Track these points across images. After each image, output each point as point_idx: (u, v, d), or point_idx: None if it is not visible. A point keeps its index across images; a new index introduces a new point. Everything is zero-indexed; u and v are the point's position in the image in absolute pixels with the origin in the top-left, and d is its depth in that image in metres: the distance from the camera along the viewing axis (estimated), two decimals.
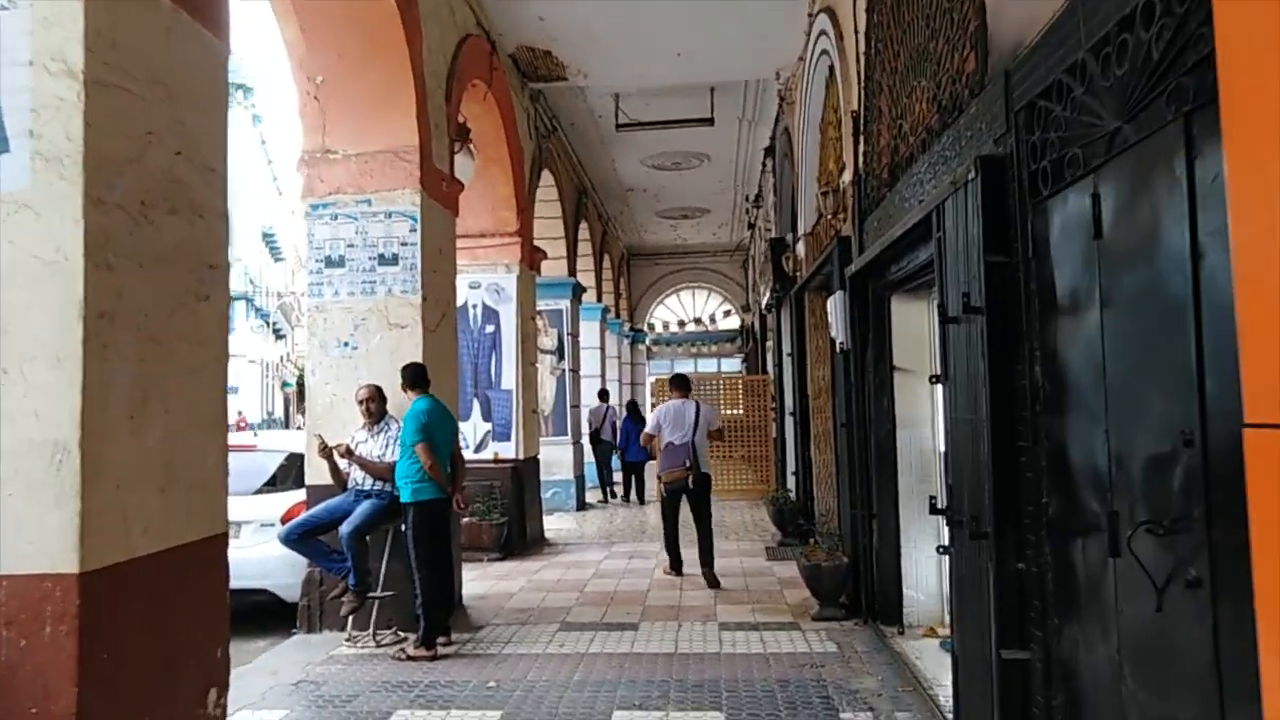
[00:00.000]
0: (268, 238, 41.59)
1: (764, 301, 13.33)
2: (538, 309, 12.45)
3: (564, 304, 12.65)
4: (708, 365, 22.57)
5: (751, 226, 15.91)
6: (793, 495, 9.46)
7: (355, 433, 5.82)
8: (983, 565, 3.24)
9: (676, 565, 7.91)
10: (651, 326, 22.65)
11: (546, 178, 11.49)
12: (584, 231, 15.22)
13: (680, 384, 7.98)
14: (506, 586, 7.44)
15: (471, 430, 9.23)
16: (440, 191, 6.48)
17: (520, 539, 9.10)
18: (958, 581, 3.69)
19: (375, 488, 5.62)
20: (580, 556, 8.85)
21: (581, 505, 12.71)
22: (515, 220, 9.35)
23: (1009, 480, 3.10)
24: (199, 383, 2.95)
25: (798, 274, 9.43)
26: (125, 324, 2.57)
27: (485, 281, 9.33)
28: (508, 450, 9.19)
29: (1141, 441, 2.29)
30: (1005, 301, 3.13)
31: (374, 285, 6.10)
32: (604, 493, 14.02)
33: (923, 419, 5.78)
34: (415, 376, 5.64)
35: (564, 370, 12.59)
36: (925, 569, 5.73)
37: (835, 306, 6.25)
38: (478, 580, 7.72)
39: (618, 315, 19.62)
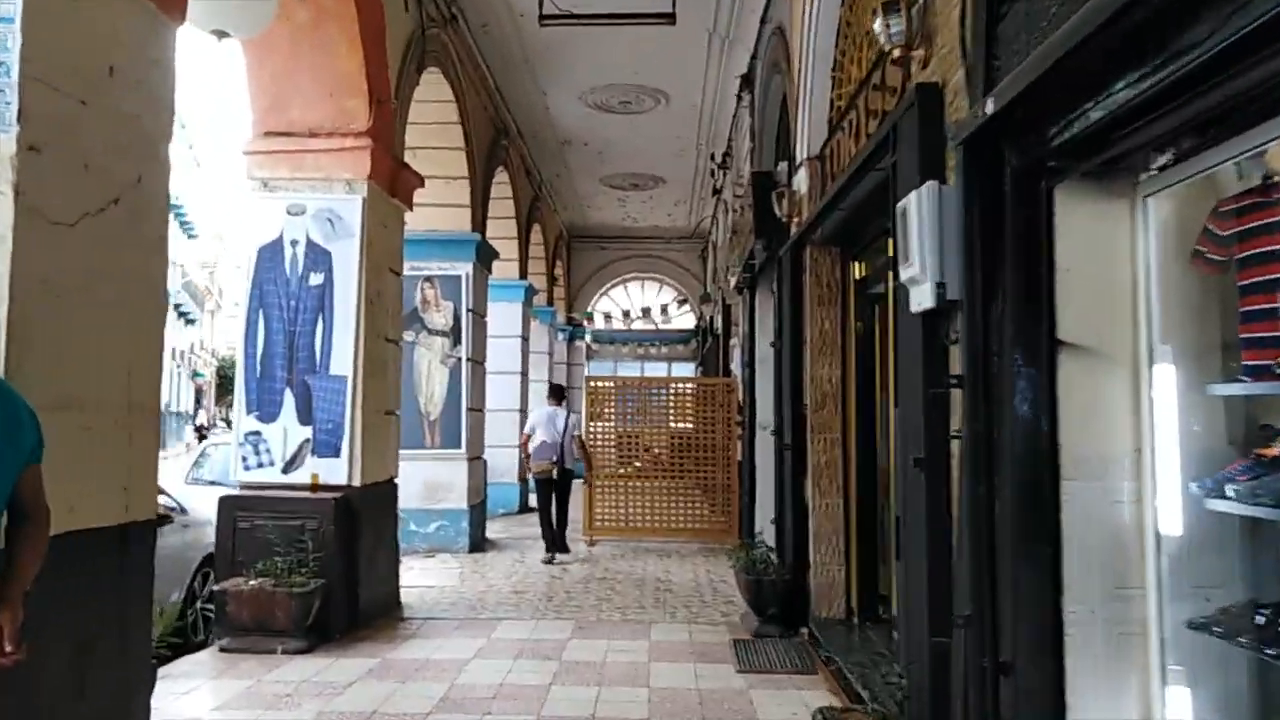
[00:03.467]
0: (176, 212, 37.36)
1: (733, 281, 10.18)
2: (422, 269, 9.15)
3: (465, 269, 9.33)
4: (657, 369, 19.37)
5: (716, 193, 12.78)
6: (774, 556, 6.28)
7: None
8: None
9: (551, 551, 8.90)
10: (590, 317, 19.35)
11: (436, 85, 8.19)
12: (504, 189, 11.93)
13: (556, 392, 9.64)
14: None
15: (279, 437, 5.85)
16: None
17: (347, 613, 5.74)
18: None
19: None
20: (437, 649, 5.50)
21: (477, 546, 9.35)
22: (365, 114, 6.03)
23: None
24: None
25: (795, 220, 6.27)
26: None
27: (312, 205, 5.98)
28: (335, 471, 5.83)
29: None
30: None
31: None
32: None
33: (1119, 459, 2.63)
34: None
35: (460, 360, 9.26)
36: None
37: (917, 210, 3.05)
38: (231, 709, 4.36)
39: (551, 303, 16.32)
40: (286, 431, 5.87)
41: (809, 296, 5.98)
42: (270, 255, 5.95)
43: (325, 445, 5.85)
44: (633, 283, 19.83)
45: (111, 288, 3.12)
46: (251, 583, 5.34)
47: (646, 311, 19.37)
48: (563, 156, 13.44)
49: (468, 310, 9.26)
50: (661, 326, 19.85)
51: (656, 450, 10.99)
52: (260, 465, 5.84)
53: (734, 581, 7.60)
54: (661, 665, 5.18)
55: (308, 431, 5.86)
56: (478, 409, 9.72)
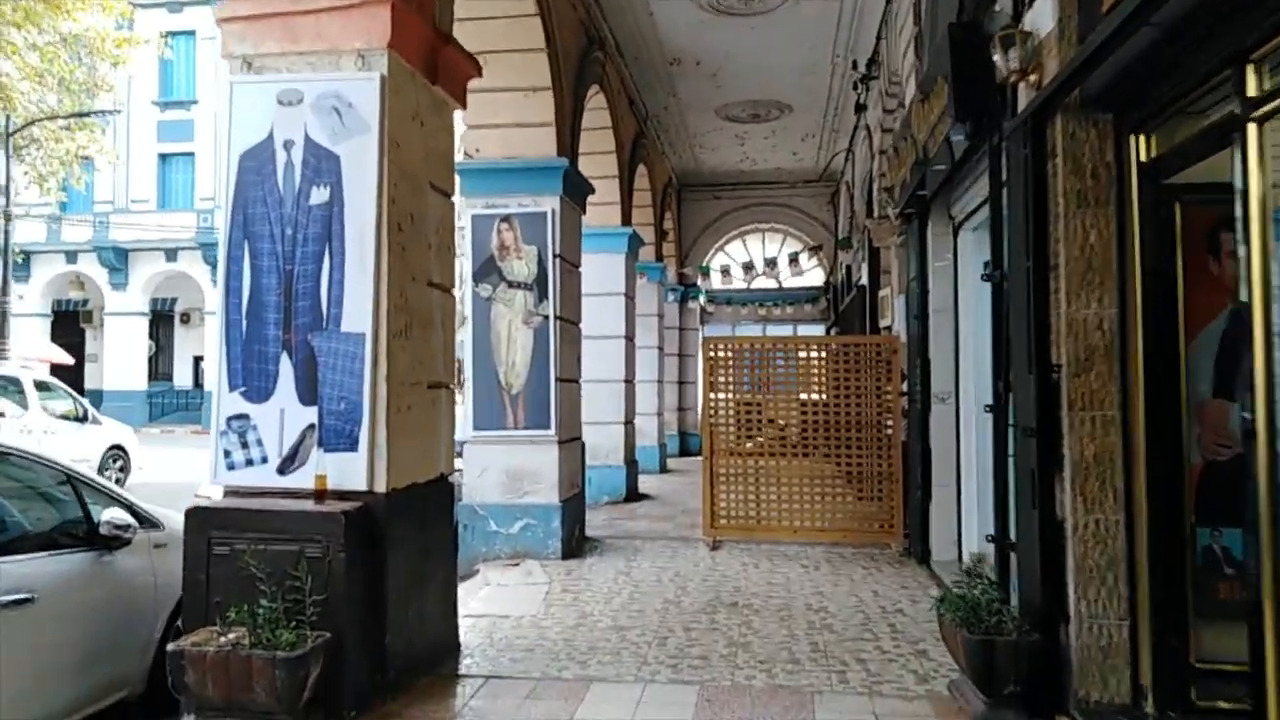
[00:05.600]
0: None
1: (893, 212, 7.93)
2: (498, 206, 7.36)
3: (550, 204, 7.43)
4: (779, 332, 17.16)
5: (860, 111, 10.45)
6: (996, 596, 4.12)
7: None
8: None
9: None
10: (707, 272, 17.24)
11: None
12: (601, 117, 9.99)
13: None
14: None
15: (273, 423, 4.10)
16: None
17: (367, 677, 3.96)
18: None
19: None
20: None
21: (573, 550, 7.53)
22: None
23: None
24: None
25: (1029, 80, 4.03)
26: None
27: (312, 90, 4.15)
28: (350, 471, 4.04)
29: None
30: None
31: None
32: None
33: None
34: None
35: (547, 319, 7.40)
36: None
37: None
38: None
39: (659, 258, 14.34)
40: (284, 415, 4.10)
41: (1060, 194, 3.77)
42: (257, 164, 4.17)
43: (336, 434, 4.06)
44: (751, 235, 17.63)
45: None
46: (222, 640, 3.61)
47: (772, 263, 17.10)
48: (671, 82, 11.39)
49: (555, 256, 7.37)
50: (785, 284, 17.59)
51: (802, 426, 8.66)
52: (249, 463, 4.11)
53: (913, 610, 5.54)
54: None
55: (312, 414, 4.09)
56: (570, 379, 7.86)
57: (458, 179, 7.47)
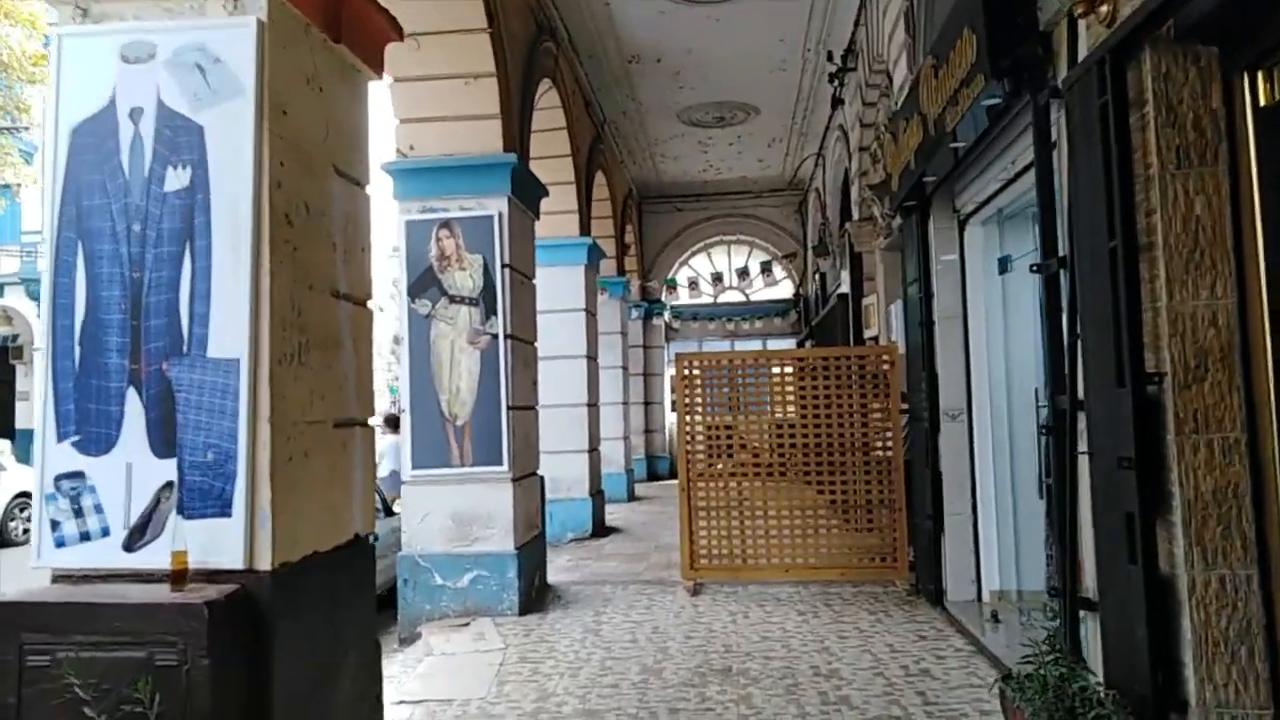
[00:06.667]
0: None
1: (880, 209, 7.08)
2: (437, 210, 6.40)
3: (497, 206, 6.45)
4: (748, 346, 16.34)
5: (836, 105, 9.66)
6: (1084, 676, 3.20)
7: None
8: None
9: None
10: (673, 285, 16.36)
11: None
12: (555, 117, 9.07)
13: (394, 422, 9.48)
14: None
15: (117, 481, 3.06)
16: None
17: None
18: None
19: None
20: None
21: (532, 603, 6.50)
22: None
23: None
24: None
25: (1095, 15, 3.16)
26: None
27: (167, 42, 3.16)
28: (222, 542, 3.01)
29: None
30: None
31: None
32: None
33: None
34: None
35: (495, 338, 6.41)
36: None
37: None
38: None
39: (621, 272, 13.41)
40: (131, 470, 3.06)
41: (1154, 151, 2.90)
42: (94, 140, 3.15)
43: (202, 494, 3.03)
44: (716, 248, 16.79)
45: None
46: None
47: (743, 272, 16.27)
48: (629, 82, 10.53)
49: (503, 266, 6.40)
50: (754, 298, 16.78)
51: (789, 449, 7.65)
52: (84, 536, 3.06)
53: (942, 671, 4.62)
54: None
55: (170, 469, 3.05)
56: (525, 406, 6.86)
57: (390, 181, 6.53)
